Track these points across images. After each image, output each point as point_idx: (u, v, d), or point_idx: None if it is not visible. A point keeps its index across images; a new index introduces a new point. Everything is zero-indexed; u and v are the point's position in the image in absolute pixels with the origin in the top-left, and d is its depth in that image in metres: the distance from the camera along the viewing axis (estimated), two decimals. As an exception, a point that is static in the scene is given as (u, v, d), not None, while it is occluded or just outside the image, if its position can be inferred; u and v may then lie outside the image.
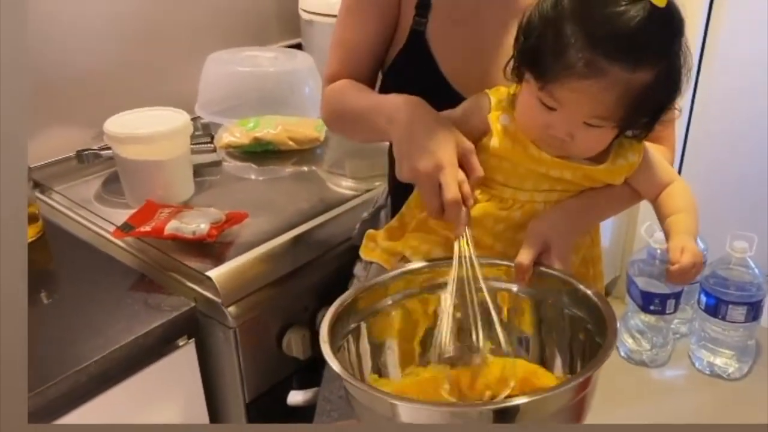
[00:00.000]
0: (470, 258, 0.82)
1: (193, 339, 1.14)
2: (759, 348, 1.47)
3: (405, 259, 0.95)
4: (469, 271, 0.81)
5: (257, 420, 1.20)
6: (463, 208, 0.84)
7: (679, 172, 1.99)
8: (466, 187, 0.85)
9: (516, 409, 0.65)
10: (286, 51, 1.77)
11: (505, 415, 0.65)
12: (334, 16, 1.12)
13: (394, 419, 0.68)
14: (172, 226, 1.18)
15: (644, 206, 0.99)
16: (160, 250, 1.19)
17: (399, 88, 0.96)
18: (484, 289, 0.80)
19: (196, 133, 1.47)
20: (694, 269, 0.85)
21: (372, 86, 1.10)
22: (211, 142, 1.50)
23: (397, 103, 0.93)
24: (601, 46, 0.78)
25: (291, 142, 1.53)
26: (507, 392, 0.76)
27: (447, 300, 0.81)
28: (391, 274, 0.88)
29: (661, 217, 0.95)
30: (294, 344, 1.20)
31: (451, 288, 0.81)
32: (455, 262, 0.82)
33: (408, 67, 1.06)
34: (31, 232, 1.24)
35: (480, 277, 0.81)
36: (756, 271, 1.41)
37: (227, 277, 1.13)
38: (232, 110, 1.61)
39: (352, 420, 0.92)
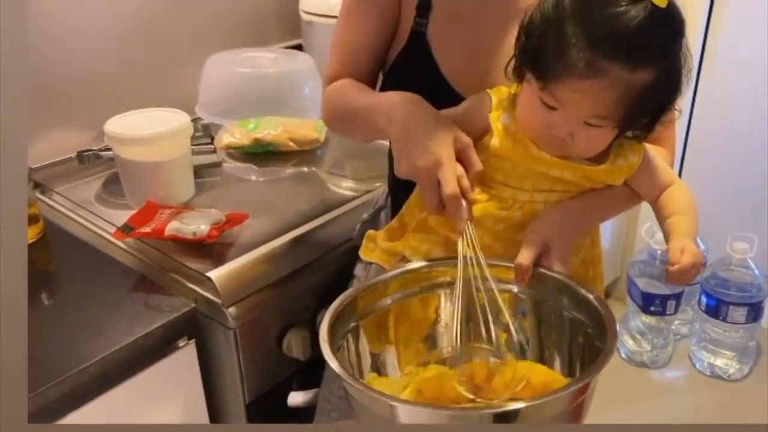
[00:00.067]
0: (475, 257, 0.81)
1: (193, 340, 1.13)
2: (759, 349, 1.47)
3: (405, 260, 0.95)
4: (475, 270, 0.81)
5: (257, 421, 1.20)
6: (463, 203, 0.84)
7: (680, 173, 2.00)
8: (466, 182, 0.85)
9: (516, 413, 0.65)
10: (287, 52, 1.77)
11: (504, 418, 0.65)
12: (335, 17, 1.12)
13: (393, 420, 0.68)
14: (172, 227, 1.18)
15: (645, 207, 0.99)
16: (160, 251, 1.19)
17: (399, 89, 0.96)
18: (495, 289, 0.80)
19: (197, 134, 1.47)
20: (694, 270, 0.85)
21: (373, 87, 1.10)
22: (212, 143, 1.50)
23: (395, 100, 0.93)
24: (602, 46, 0.79)
25: (291, 143, 1.53)
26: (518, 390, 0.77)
27: (455, 300, 0.80)
28: (391, 273, 0.88)
29: (661, 219, 0.95)
30: (294, 345, 1.20)
31: (457, 288, 0.80)
32: (460, 260, 0.81)
33: (408, 68, 1.06)
34: (32, 233, 1.25)
35: (489, 276, 0.80)
36: (756, 272, 1.41)
37: (227, 278, 1.13)
38: (233, 111, 1.61)
39: (351, 420, 0.92)
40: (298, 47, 1.85)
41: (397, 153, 0.89)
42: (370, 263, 1.03)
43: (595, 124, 0.84)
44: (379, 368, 0.86)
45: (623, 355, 1.50)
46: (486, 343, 0.81)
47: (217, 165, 1.49)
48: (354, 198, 1.37)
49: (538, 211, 0.92)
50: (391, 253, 0.99)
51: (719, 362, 1.44)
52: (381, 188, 1.31)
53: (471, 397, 0.77)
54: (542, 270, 0.86)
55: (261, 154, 1.52)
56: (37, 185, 1.40)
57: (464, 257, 0.81)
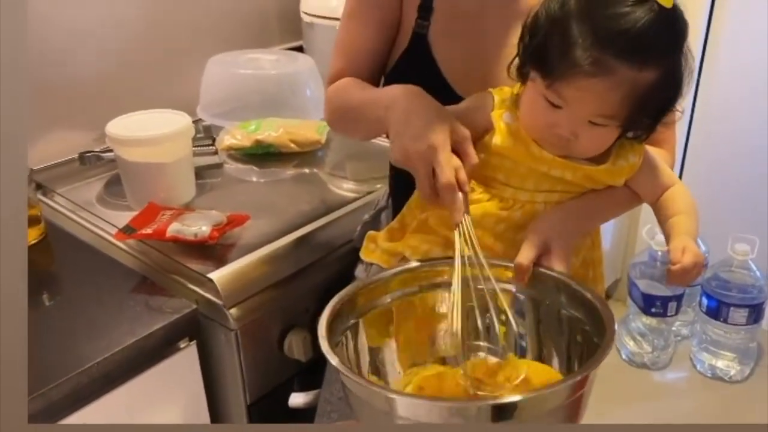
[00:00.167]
0: (474, 254, 0.81)
1: (194, 341, 1.14)
2: (760, 350, 1.47)
3: (405, 260, 0.95)
4: (474, 269, 0.81)
5: (258, 422, 1.20)
6: (460, 195, 0.83)
7: (681, 174, 2.00)
8: (462, 174, 0.84)
9: (514, 405, 0.65)
10: (288, 53, 1.77)
11: (503, 411, 0.65)
12: (336, 18, 1.13)
13: (391, 413, 0.68)
14: (173, 229, 1.18)
15: (645, 209, 0.99)
16: (161, 252, 1.20)
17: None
18: (496, 287, 0.80)
19: (198, 135, 1.47)
20: (696, 270, 0.85)
21: (374, 88, 1.10)
22: (213, 145, 1.51)
23: (396, 92, 0.93)
24: (609, 44, 0.79)
25: (292, 145, 1.53)
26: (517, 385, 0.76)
27: (454, 297, 0.80)
28: (390, 272, 0.88)
29: (662, 220, 0.95)
30: (295, 346, 1.20)
31: (455, 284, 0.80)
32: (457, 254, 0.81)
33: (410, 70, 1.06)
34: (33, 234, 1.25)
35: (490, 274, 0.80)
36: (757, 273, 1.40)
37: (229, 279, 1.13)
38: (234, 112, 1.62)
39: (351, 420, 0.92)
40: (299, 49, 1.85)
41: (392, 137, 0.89)
42: (371, 264, 1.03)
43: (600, 123, 0.84)
44: (378, 367, 0.86)
45: (624, 357, 1.50)
46: (485, 341, 0.81)
47: (218, 166, 1.49)
48: (355, 199, 1.37)
49: (539, 211, 0.92)
50: (392, 254, 0.99)
51: (720, 364, 1.43)
52: (382, 189, 1.31)
53: (472, 391, 0.77)
54: (541, 270, 0.86)
55: (262, 155, 1.52)
56: (38, 186, 1.41)
57: (462, 256, 0.81)
